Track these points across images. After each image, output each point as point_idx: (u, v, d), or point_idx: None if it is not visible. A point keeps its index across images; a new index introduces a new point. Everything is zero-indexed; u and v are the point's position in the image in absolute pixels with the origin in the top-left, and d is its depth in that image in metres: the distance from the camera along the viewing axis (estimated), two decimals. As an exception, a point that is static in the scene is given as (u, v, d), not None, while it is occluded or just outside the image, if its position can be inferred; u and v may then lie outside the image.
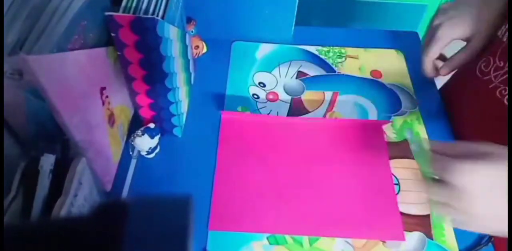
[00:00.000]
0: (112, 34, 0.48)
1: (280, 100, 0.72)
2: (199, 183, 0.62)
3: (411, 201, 0.60)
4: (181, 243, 0.19)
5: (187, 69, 0.66)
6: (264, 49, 0.80)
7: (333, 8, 1.18)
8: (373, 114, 0.71)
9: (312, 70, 0.77)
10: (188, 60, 0.66)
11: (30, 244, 0.20)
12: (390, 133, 0.68)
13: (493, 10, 0.62)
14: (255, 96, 0.72)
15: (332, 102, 0.72)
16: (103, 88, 0.53)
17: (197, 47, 0.76)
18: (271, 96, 0.73)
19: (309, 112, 0.71)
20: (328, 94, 0.73)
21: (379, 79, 0.76)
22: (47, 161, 0.43)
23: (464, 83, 0.70)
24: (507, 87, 0.57)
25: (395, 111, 0.71)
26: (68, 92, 0.44)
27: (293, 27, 0.81)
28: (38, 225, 0.25)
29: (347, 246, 0.56)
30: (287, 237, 0.57)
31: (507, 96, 0.58)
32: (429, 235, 0.57)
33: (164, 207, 0.21)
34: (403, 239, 0.56)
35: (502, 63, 0.59)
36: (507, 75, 0.58)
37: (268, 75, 0.76)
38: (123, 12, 0.47)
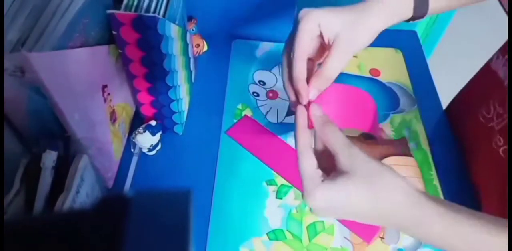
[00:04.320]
0: (114, 32, 0.49)
1: (280, 98, 0.73)
2: (200, 180, 0.62)
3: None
4: (181, 236, 0.20)
5: (188, 67, 0.66)
6: (264, 48, 0.80)
7: (332, 6, 1.18)
8: (372, 112, 0.71)
9: (312, 69, 0.77)
10: (189, 58, 0.67)
11: (31, 237, 0.21)
12: (389, 130, 0.68)
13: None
14: (255, 94, 0.73)
15: (331, 100, 0.72)
16: (104, 86, 0.53)
17: (197, 45, 0.76)
18: (271, 95, 0.73)
19: (309, 110, 0.71)
20: (328, 92, 0.74)
21: (378, 78, 0.77)
22: (49, 158, 0.44)
23: (469, 127, 0.66)
24: (501, 138, 0.55)
25: (394, 110, 0.72)
26: (70, 89, 0.44)
27: (293, 26, 0.81)
28: (39, 219, 0.25)
29: (346, 242, 0.57)
30: (286, 232, 0.57)
31: (502, 148, 0.55)
32: (427, 232, 0.57)
33: (164, 200, 0.21)
34: (368, 240, 0.57)
35: (501, 110, 0.56)
36: (505, 122, 0.54)
37: (268, 73, 0.76)
38: (125, 10, 0.48)
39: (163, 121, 0.64)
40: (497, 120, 0.56)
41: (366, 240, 0.57)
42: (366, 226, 0.57)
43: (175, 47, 0.56)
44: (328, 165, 0.39)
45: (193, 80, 0.73)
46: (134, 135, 0.60)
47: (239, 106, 0.71)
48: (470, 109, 0.64)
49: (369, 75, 0.77)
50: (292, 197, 0.61)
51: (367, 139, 0.67)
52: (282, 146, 0.66)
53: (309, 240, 0.57)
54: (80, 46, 0.45)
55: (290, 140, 0.67)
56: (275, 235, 0.57)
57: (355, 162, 0.37)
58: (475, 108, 0.62)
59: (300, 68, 0.44)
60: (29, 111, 0.45)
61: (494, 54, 0.61)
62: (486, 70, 0.62)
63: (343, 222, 0.58)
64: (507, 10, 0.59)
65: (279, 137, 0.67)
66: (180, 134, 0.67)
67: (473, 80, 0.68)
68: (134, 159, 0.64)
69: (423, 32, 1.38)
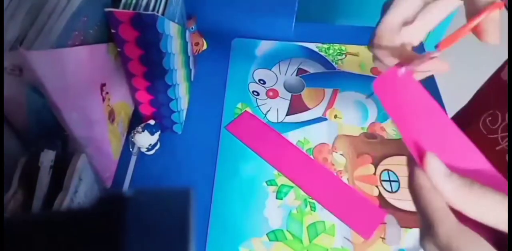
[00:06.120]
0: (112, 31, 0.48)
1: (280, 97, 0.72)
2: (200, 180, 0.62)
3: (411, 198, 0.60)
4: (182, 235, 0.19)
5: (187, 65, 0.66)
6: (264, 46, 0.80)
7: (333, 5, 1.18)
8: (373, 112, 0.71)
9: (312, 67, 0.77)
10: (188, 57, 0.66)
11: (30, 236, 0.20)
12: (390, 130, 0.68)
13: None
14: (255, 93, 0.72)
15: (332, 99, 0.72)
16: (103, 85, 0.53)
17: (197, 44, 0.76)
18: (271, 93, 0.73)
19: (309, 109, 0.71)
20: (328, 92, 0.73)
21: (379, 77, 0.76)
22: (47, 157, 0.43)
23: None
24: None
25: (395, 109, 0.71)
26: (68, 88, 0.44)
27: (293, 24, 0.81)
28: (38, 217, 0.25)
29: (346, 242, 0.56)
30: (287, 233, 0.57)
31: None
32: (428, 232, 0.57)
33: (165, 199, 0.21)
34: (366, 237, 0.57)
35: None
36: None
37: (268, 72, 0.76)
38: (124, 8, 0.47)
39: (162, 120, 0.63)
40: (504, 134, 0.52)
41: (364, 237, 0.56)
42: (365, 222, 0.58)
43: (175, 46, 0.56)
44: None
45: (192, 79, 0.72)
46: (132, 134, 0.60)
47: (239, 106, 0.70)
48: (474, 119, 0.61)
49: (370, 74, 0.76)
50: (292, 197, 0.60)
51: (369, 138, 0.67)
52: (282, 142, 0.66)
53: (310, 241, 0.56)
54: (79, 45, 0.45)
55: (290, 137, 0.66)
56: (275, 235, 0.57)
57: None
58: (475, 115, 0.58)
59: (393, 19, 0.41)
60: (27, 110, 0.44)
61: (503, 63, 0.58)
62: (496, 80, 0.60)
63: (342, 218, 0.58)
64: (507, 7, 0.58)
65: (279, 133, 0.67)
66: (179, 133, 0.67)
67: (481, 90, 0.66)
68: (133, 159, 0.63)
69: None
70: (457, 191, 0.28)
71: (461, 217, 0.28)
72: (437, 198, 0.29)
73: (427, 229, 0.28)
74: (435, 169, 0.29)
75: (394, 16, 0.39)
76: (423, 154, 0.30)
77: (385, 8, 0.41)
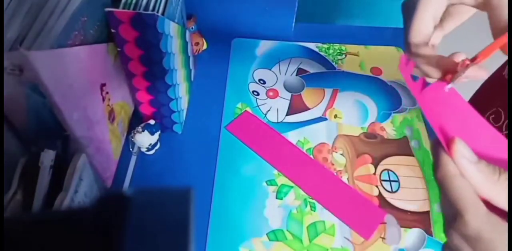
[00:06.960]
0: (112, 30, 0.48)
1: (280, 97, 0.72)
2: (200, 180, 0.62)
3: (411, 197, 0.60)
4: (182, 235, 0.19)
5: (187, 65, 0.66)
6: (264, 46, 0.80)
7: (333, 5, 1.18)
8: (373, 112, 0.71)
9: (312, 67, 0.77)
10: (188, 57, 0.66)
11: (30, 235, 0.20)
12: (390, 130, 0.68)
13: None
14: (255, 93, 0.72)
15: (332, 99, 0.72)
16: (103, 85, 0.53)
17: (197, 43, 0.76)
18: (271, 93, 0.73)
19: (309, 109, 0.71)
20: (328, 91, 0.73)
21: (379, 77, 0.76)
22: (48, 157, 0.43)
23: None
24: None
25: (395, 109, 0.71)
26: (68, 88, 0.44)
27: (293, 24, 0.81)
28: (38, 216, 0.25)
29: (346, 242, 0.56)
30: (287, 233, 0.57)
31: None
32: (428, 232, 0.57)
33: (165, 198, 0.21)
34: (366, 237, 0.57)
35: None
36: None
37: (268, 72, 0.76)
38: (124, 8, 0.47)
39: (162, 120, 0.63)
40: (506, 132, 0.52)
41: (364, 237, 0.56)
42: (365, 222, 0.58)
43: (175, 46, 0.56)
44: None
45: (192, 79, 0.72)
46: (132, 134, 0.60)
47: (239, 105, 0.70)
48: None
49: (370, 74, 0.76)
50: (292, 197, 0.60)
51: (369, 138, 0.67)
52: (282, 142, 0.66)
53: (310, 241, 0.56)
54: (79, 45, 0.45)
55: (290, 137, 0.66)
56: (275, 235, 0.57)
57: None
58: (480, 112, 0.59)
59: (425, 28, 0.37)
60: (27, 110, 0.44)
61: (505, 61, 0.58)
62: (498, 78, 0.59)
63: (343, 218, 0.58)
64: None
65: (279, 132, 0.67)
66: (179, 133, 0.67)
67: (482, 88, 0.66)
68: (133, 159, 0.63)
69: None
70: (485, 179, 0.28)
71: (488, 205, 0.27)
72: (465, 186, 0.28)
73: (455, 219, 0.28)
74: (463, 156, 0.28)
75: (425, 20, 0.37)
76: (450, 140, 0.29)
77: (407, 8, 0.39)
